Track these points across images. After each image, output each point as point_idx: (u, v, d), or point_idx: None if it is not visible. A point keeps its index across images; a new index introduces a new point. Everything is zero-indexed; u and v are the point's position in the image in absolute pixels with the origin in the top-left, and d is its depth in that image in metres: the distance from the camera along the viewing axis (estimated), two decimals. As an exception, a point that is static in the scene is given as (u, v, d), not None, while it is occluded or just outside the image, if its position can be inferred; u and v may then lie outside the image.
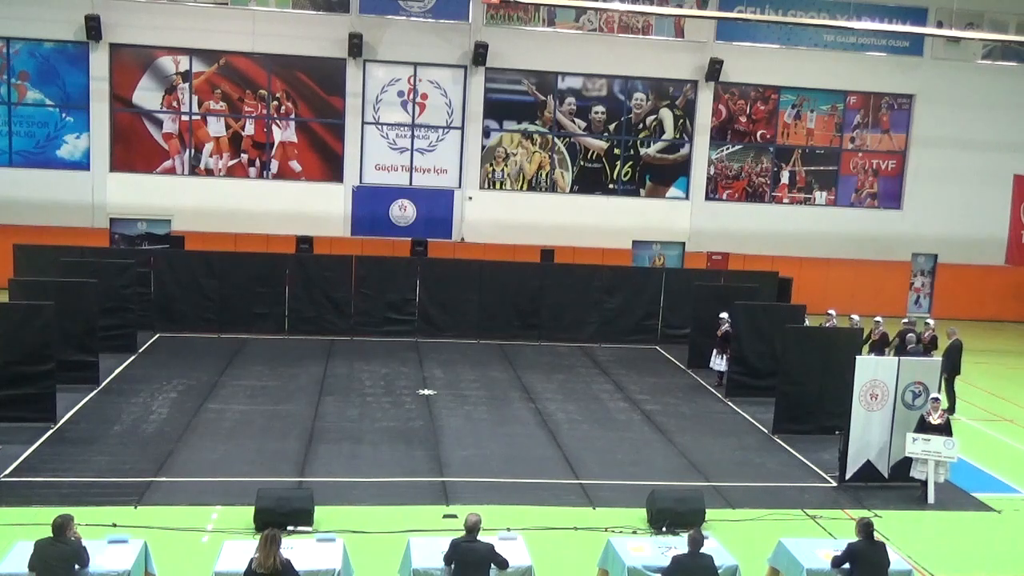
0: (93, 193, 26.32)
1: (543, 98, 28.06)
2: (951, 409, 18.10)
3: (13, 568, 8.59)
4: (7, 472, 12.56)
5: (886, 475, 13.77)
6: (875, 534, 9.36)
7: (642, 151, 28.68)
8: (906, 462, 13.49)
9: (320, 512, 11.47)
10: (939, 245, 29.73)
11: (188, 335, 21.13)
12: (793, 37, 28.12)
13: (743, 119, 28.94)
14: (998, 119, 29.06)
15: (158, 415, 15.51)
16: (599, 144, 28.52)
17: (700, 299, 20.62)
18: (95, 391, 16.53)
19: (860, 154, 29.50)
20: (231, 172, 27.21)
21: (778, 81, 28.67)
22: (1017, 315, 29.52)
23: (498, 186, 28.29)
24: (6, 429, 13.92)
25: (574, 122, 28.33)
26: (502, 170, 28.23)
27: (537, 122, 28.16)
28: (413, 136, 27.71)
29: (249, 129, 27.18)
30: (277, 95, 27.08)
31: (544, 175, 28.44)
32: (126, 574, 8.73)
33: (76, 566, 8.46)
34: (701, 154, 28.68)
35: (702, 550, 8.94)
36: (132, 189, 26.53)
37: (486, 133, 27.91)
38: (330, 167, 27.52)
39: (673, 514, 11.67)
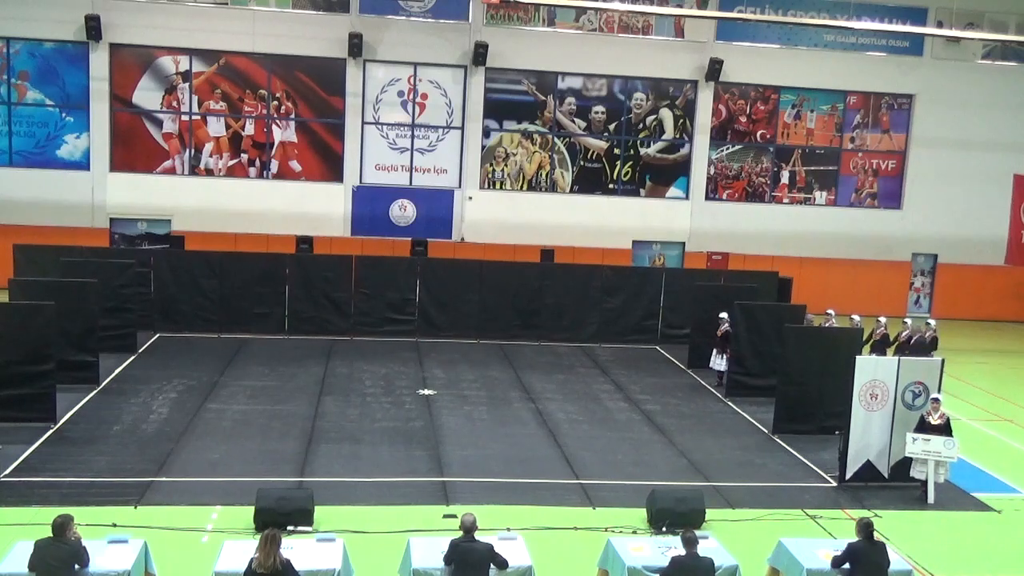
0: (93, 193, 26.32)
1: (543, 98, 28.05)
2: None
3: (13, 568, 8.58)
4: (7, 472, 12.56)
5: (886, 475, 13.77)
6: (875, 534, 9.36)
7: (642, 151, 28.68)
8: (906, 462, 13.50)
9: (320, 512, 11.47)
10: (939, 245, 29.72)
11: (188, 335, 21.14)
12: (793, 37, 28.11)
13: (743, 119, 28.93)
14: (998, 119, 29.04)
15: (158, 415, 15.51)
16: (599, 144, 28.51)
17: (700, 299, 20.63)
18: (95, 391, 16.52)
19: (860, 154, 29.49)
20: (231, 172, 27.20)
21: (778, 81, 28.67)
22: (1017, 315, 29.50)
23: (498, 186, 28.28)
24: (6, 429, 13.92)
25: (574, 122, 28.32)
26: (502, 170, 28.22)
27: (537, 122, 28.15)
28: (413, 136, 27.70)
29: (249, 129, 27.18)
30: (277, 95, 27.07)
31: (544, 175, 28.43)
32: (126, 574, 8.73)
33: (76, 566, 8.46)
34: (701, 154, 28.67)
35: (701, 552, 8.95)
36: (132, 189, 26.52)
37: (486, 133, 27.90)
38: (330, 167, 27.51)
39: (673, 514, 11.67)
